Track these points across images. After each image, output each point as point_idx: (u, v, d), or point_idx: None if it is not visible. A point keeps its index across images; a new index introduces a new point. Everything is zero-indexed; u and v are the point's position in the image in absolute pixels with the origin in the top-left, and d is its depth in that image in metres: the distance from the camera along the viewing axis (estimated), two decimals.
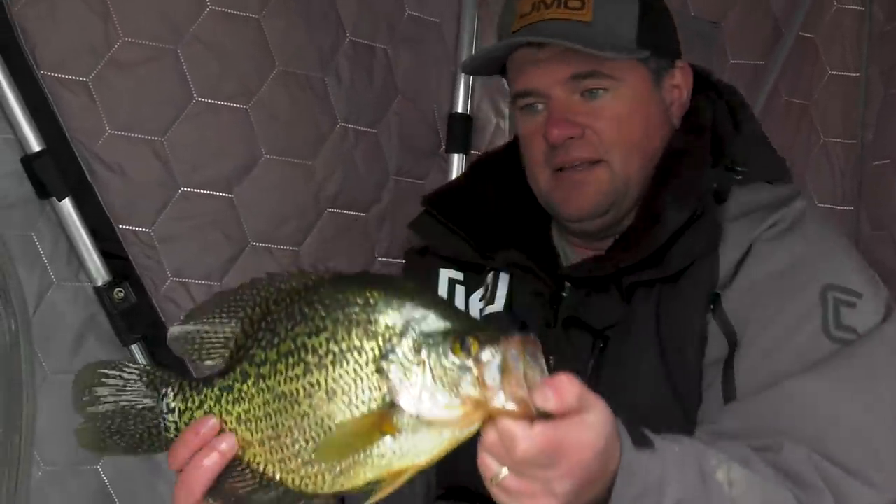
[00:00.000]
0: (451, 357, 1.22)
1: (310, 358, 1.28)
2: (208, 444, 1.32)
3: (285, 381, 1.30)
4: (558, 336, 1.75)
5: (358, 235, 2.53)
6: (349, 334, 1.27)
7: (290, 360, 1.29)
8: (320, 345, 1.28)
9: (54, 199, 2.15)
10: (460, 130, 2.65)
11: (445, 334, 1.23)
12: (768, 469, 1.43)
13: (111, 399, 1.38)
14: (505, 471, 1.20)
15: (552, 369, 1.67)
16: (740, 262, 1.66)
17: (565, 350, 1.73)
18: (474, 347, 1.21)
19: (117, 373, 1.38)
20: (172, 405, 1.36)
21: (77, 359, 2.19)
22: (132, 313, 2.22)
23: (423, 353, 1.23)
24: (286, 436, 1.30)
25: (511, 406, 1.18)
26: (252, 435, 1.32)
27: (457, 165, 2.64)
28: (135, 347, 2.24)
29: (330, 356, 1.27)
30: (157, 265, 2.27)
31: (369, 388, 1.25)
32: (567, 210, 1.79)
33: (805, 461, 1.45)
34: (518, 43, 1.76)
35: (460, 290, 1.91)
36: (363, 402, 1.25)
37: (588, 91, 1.75)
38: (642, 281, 1.69)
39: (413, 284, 1.32)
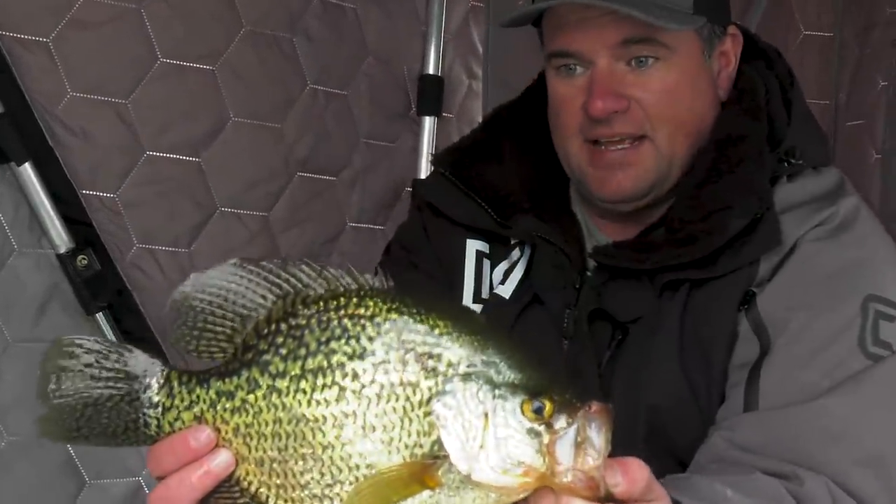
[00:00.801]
0: (520, 416, 1.07)
1: (348, 383, 1.10)
2: (200, 458, 1.14)
3: (308, 403, 1.11)
4: (578, 320, 1.63)
5: (329, 200, 2.48)
6: (404, 366, 1.10)
7: (321, 381, 1.11)
8: (364, 371, 1.10)
9: (14, 164, 2.09)
10: (431, 92, 2.59)
11: (516, 388, 1.08)
12: None
13: (83, 385, 1.16)
14: None
15: (568, 354, 1.64)
16: (782, 260, 1.54)
17: (584, 338, 1.62)
18: (548, 410, 1.07)
19: (92, 353, 1.17)
20: (156, 399, 1.15)
21: (39, 328, 2.14)
22: (97, 281, 2.16)
23: (488, 404, 1.07)
24: (296, 462, 1.12)
25: (579, 484, 1.06)
26: (250, 452, 1.14)
27: (428, 128, 2.59)
28: (100, 316, 2.19)
29: (375, 387, 1.10)
30: (123, 231, 2.21)
31: (417, 432, 1.09)
32: (603, 191, 1.63)
33: (825, 496, 1.37)
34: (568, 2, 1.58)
35: (486, 265, 1.77)
36: (406, 447, 1.09)
37: (636, 59, 1.56)
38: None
39: (485, 321, 1.15)
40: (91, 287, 2.15)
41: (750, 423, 1.46)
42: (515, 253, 1.73)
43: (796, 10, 2.68)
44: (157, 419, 1.16)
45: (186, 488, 1.13)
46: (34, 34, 2.10)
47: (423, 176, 2.54)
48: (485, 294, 1.75)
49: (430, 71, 2.60)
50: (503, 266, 1.74)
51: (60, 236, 2.13)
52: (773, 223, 1.54)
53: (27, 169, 2.09)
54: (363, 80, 2.52)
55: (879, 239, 1.58)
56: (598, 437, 1.06)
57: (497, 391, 1.08)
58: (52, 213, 2.12)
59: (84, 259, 2.13)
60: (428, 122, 2.59)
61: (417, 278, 1.81)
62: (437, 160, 1.84)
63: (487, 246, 1.77)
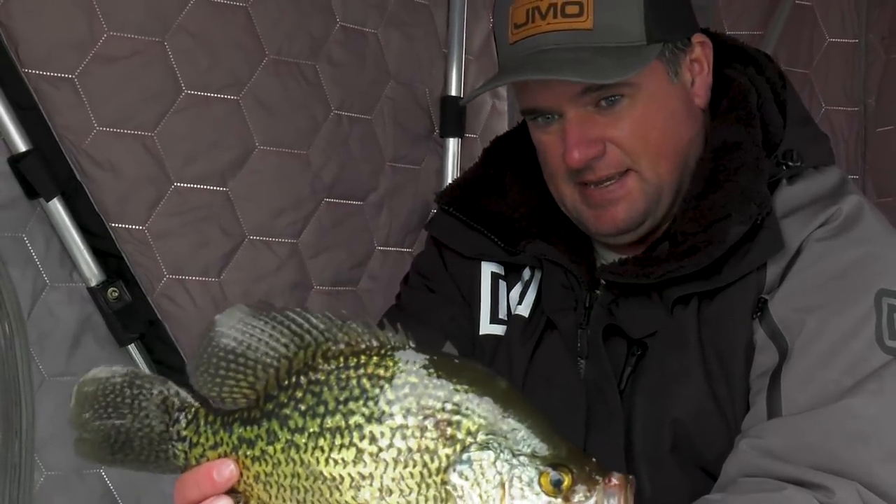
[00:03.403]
0: (538, 489, 1.07)
1: (366, 446, 1.10)
2: (221, 497, 1.17)
3: (326, 462, 1.12)
4: (591, 339, 1.64)
5: (356, 225, 2.48)
6: (422, 432, 1.10)
7: (338, 441, 1.11)
8: (382, 435, 1.10)
9: (43, 199, 2.10)
10: (454, 114, 2.59)
11: (535, 458, 1.08)
12: None
13: (116, 415, 1.22)
14: None
15: (586, 374, 1.65)
16: (790, 263, 1.54)
17: (600, 356, 1.62)
18: (567, 483, 1.07)
19: (127, 386, 1.22)
20: (184, 434, 1.20)
21: (74, 360, 2.15)
22: (128, 313, 2.16)
23: (506, 475, 1.07)
24: None
25: None
26: (270, 499, 1.16)
27: (452, 150, 2.59)
28: (132, 348, 2.20)
29: (393, 452, 1.10)
30: (153, 262, 2.22)
31: (434, 499, 1.09)
32: (600, 227, 1.65)
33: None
34: (523, 80, 1.61)
35: (502, 286, 1.78)
36: None
37: (604, 99, 1.58)
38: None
39: (506, 384, 1.14)
40: (122, 318, 2.16)
41: (775, 429, 1.45)
42: (527, 273, 1.76)
43: (820, 18, 2.67)
44: (185, 452, 1.20)
45: None
46: (59, 71, 2.11)
47: None
48: (502, 315, 1.77)
49: (452, 93, 2.61)
50: (518, 287, 1.76)
51: (91, 269, 2.14)
52: (773, 228, 1.55)
53: (56, 204, 2.10)
54: (386, 103, 2.52)
55: (885, 234, 1.58)
56: None
57: (515, 461, 1.08)
58: (81, 246, 2.13)
59: (115, 291, 2.14)
60: (452, 144, 2.59)
61: (437, 303, 1.83)
62: (439, 199, 1.87)
63: (502, 268, 1.79)
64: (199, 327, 2.21)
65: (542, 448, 1.08)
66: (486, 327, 1.77)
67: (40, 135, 2.10)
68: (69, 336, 2.15)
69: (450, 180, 2.51)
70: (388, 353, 1.13)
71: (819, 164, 1.65)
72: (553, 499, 1.06)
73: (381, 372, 1.12)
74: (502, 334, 1.76)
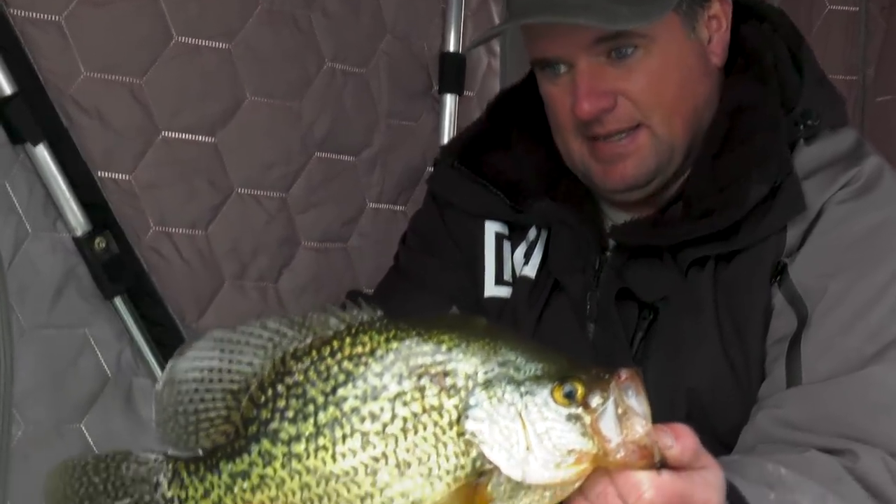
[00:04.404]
0: (554, 406, 1.03)
1: (369, 427, 1.05)
2: None
3: (334, 459, 1.06)
4: (602, 302, 1.59)
5: (348, 181, 2.42)
6: (422, 392, 1.05)
7: (339, 433, 1.06)
8: (382, 410, 1.05)
9: (28, 144, 2.02)
10: (453, 70, 2.51)
11: (540, 379, 1.04)
12: (859, 490, 1.31)
13: None
14: None
15: (595, 338, 1.61)
16: (810, 226, 1.50)
17: (611, 320, 1.58)
18: (580, 392, 1.03)
19: (94, 472, 1.13)
20: (169, 495, 1.11)
21: (56, 313, 2.08)
22: (115, 264, 2.10)
23: (518, 404, 1.03)
24: None
25: (633, 456, 1.02)
26: None
27: (450, 107, 2.52)
28: (118, 301, 2.13)
29: (398, 422, 1.05)
30: (139, 214, 2.16)
31: (454, 455, 1.04)
32: (608, 183, 1.60)
33: (882, 471, 1.34)
34: (534, 23, 1.55)
35: (507, 247, 1.73)
36: (447, 473, 1.04)
37: (616, 50, 1.53)
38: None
39: (484, 321, 1.10)
40: (109, 271, 2.10)
41: (796, 398, 1.42)
42: (532, 232, 1.70)
43: None
44: None
45: None
46: (46, 12, 2.04)
47: None
48: (507, 276, 1.72)
49: (451, 49, 2.52)
50: (523, 247, 1.71)
51: (77, 219, 2.08)
52: (795, 188, 1.51)
53: (42, 150, 2.03)
54: (382, 58, 2.45)
55: None
56: (637, 404, 1.03)
57: (523, 387, 1.04)
58: (68, 195, 2.06)
59: (102, 242, 2.08)
60: (450, 101, 2.52)
61: (436, 266, 1.78)
62: (444, 152, 1.82)
63: (507, 227, 1.73)
64: (186, 281, 2.21)
65: (542, 367, 1.05)
66: (491, 289, 1.72)
67: (26, 78, 2.02)
68: (51, 287, 2.09)
69: (447, 138, 2.46)
70: (360, 330, 1.08)
71: (835, 126, 1.61)
72: (572, 410, 1.03)
73: (360, 349, 1.07)
74: (508, 297, 1.71)
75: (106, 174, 2.12)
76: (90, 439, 2.14)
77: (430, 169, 2.24)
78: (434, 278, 1.77)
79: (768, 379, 1.48)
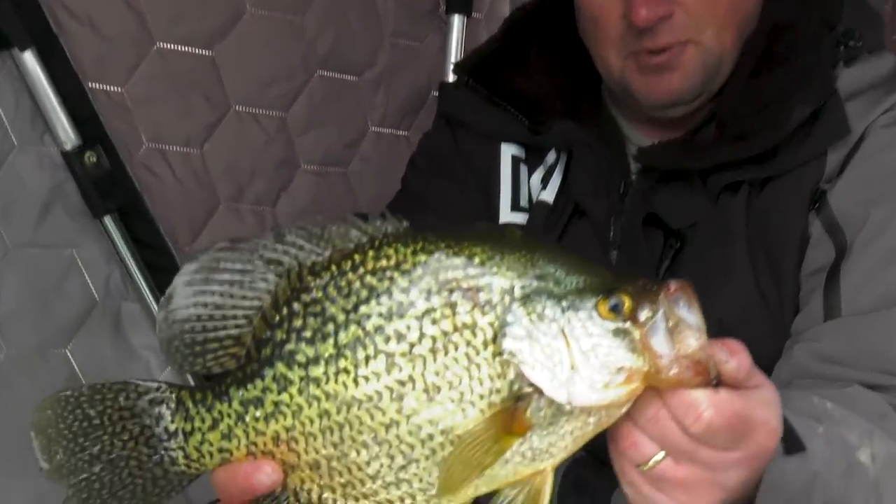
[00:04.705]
0: (600, 320, 0.93)
1: (394, 347, 0.95)
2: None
3: (356, 383, 0.96)
4: (627, 228, 1.51)
5: (350, 102, 2.30)
6: (453, 309, 0.95)
7: (362, 354, 0.96)
8: (409, 328, 0.95)
9: (15, 50, 1.89)
10: None
11: (582, 291, 0.94)
12: None
13: (91, 443, 1.02)
14: (661, 454, 0.95)
15: (618, 266, 1.50)
16: (852, 151, 1.42)
17: (637, 247, 1.49)
18: (627, 305, 0.92)
19: (88, 404, 1.02)
20: (173, 428, 1.02)
21: (42, 231, 1.97)
22: (106, 181, 1.98)
23: (560, 320, 0.93)
24: (357, 453, 0.98)
25: (687, 373, 0.92)
26: (300, 457, 0.99)
27: (458, 28, 2.39)
28: (108, 220, 2.02)
29: (427, 342, 0.95)
30: (131, 129, 2.03)
31: (489, 378, 0.94)
32: (652, 97, 1.48)
33: None
34: None
35: (523, 171, 1.63)
36: (481, 398, 0.94)
37: None
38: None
39: (519, 231, 1.01)
40: (100, 187, 1.97)
41: (835, 331, 1.34)
42: (551, 156, 1.60)
43: None
44: (182, 449, 1.02)
45: None
46: None
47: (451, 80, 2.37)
48: (523, 202, 1.63)
49: None
50: (540, 172, 1.61)
51: (67, 132, 1.95)
52: (838, 111, 1.42)
53: (30, 57, 1.90)
54: None
55: None
56: (691, 315, 0.93)
57: (565, 302, 0.94)
58: (57, 106, 1.93)
59: (93, 156, 1.95)
60: (457, 21, 2.39)
61: (448, 190, 1.68)
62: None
63: (523, 150, 1.63)
64: (180, 202, 2.09)
65: (585, 280, 0.95)
66: (507, 215, 1.62)
67: None
68: (37, 204, 1.97)
69: (453, 61, 2.34)
70: (384, 242, 0.97)
71: (874, 49, 1.51)
72: (620, 324, 0.93)
73: (384, 263, 0.97)
74: (524, 223, 1.61)
75: (97, 86, 1.99)
76: (75, 365, 2.04)
77: (436, 94, 2.14)
78: (446, 202, 1.67)
79: (803, 311, 1.41)
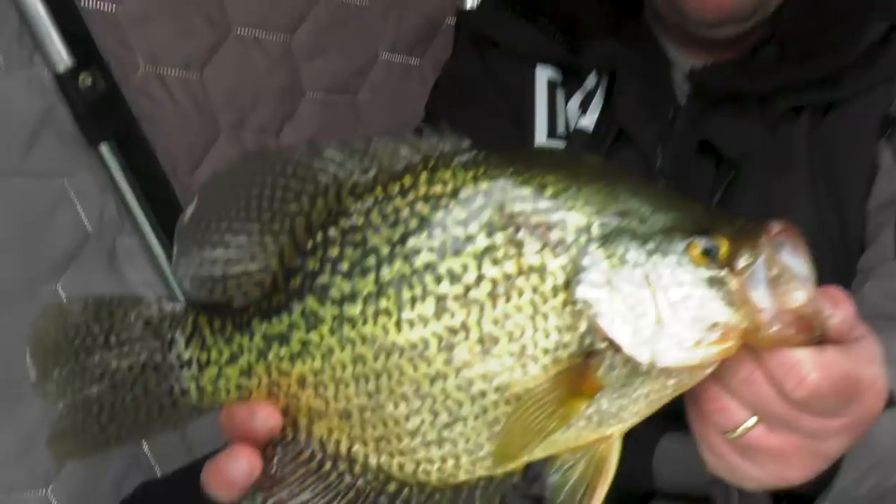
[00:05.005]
0: (692, 267, 0.80)
1: (447, 289, 0.82)
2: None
3: (398, 328, 0.83)
4: (677, 155, 1.39)
5: (360, 26, 2.16)
6: (519, 248, 0.82)
7: (407, 294, 0.83)
8: (465, 268, 0.82)
9: None
10: None
11: (670, 232, 0.81)
12: None
13: (91, 365, 0.90)
14: (752, 420, 0.84)
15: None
16: None
17: (687, 177, 1.38)
18: (724, 249, 0.80)
19: (94, 320, 0.89)
20: (187, 356, 0.89)
21: (31, 159, 1.83)
22: (101, 105, 1.84)
23: (645, 265, 0.80)
24: (395, 406, 0.85)
25: (789, 330, 0.80)
26: (328, 405, 0.87)
27: None
28: (104, 148, 1.89)
29: (486, 285, 0.82)
30: (128, 51, 1.89)
31: (557, 330, 0.81)
32: (702, 13, 1.36)
33: None
34: None
35: (560, 96, 1.50)
36: (545, 353, 0.82)
37: None
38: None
39: (598, 158, 0.89)
40: (95, 112, 1.83)
41: None
42: (591, 80, 1.47)
43: None
44: (195, 380, 0.89)
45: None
46: None
47: (468, 6, 2.23)
48: (560, 129, 1.50)
49: None
50: (578, 96, 1.48)
51: (59, 52, 1.80)
52: None
53: None
54: None
55: None
56: (798, 263, 0.80)
57: (651, 244, 0.81)
58: (49, 24, 1.78)
59: (87, 79, 1.81)
60: None
61: (477, 117, 1.55)
62: None
63: (560, 73, 1.51)
64: (179, 130, 1.96)
65: (674, 218, 0.82)
66: (543, 144, 1.50)
67: None
68: (26, 130, 1.82)
69: None
70: (440, 163, 0.84)
71: None
72: (715, 272, 0.80)
73: (439, 189, 0.83)
74: (562, 146, 1.50)
75: (90, 4, 1.85)
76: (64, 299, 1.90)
77: (451, 21, 2.01)
78: (475, 130, 1.54)
79: (872, 247, 1.31)
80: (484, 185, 0.82)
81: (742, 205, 1.36)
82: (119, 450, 0.92)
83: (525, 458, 0.85)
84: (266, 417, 0.86)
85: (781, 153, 1.36)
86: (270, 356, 0.87)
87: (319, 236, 0.85)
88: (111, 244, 1.96)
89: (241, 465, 0.85)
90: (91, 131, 1.86)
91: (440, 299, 0.82)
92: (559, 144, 1.49)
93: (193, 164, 2.00)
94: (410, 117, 1.65)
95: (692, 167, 1.39)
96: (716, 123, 1.37)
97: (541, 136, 1.50)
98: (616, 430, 0.86)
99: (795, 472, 0.86)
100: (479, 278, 0.82)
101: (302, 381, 0.86)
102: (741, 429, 0.84)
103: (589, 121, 1.46)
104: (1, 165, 1.80)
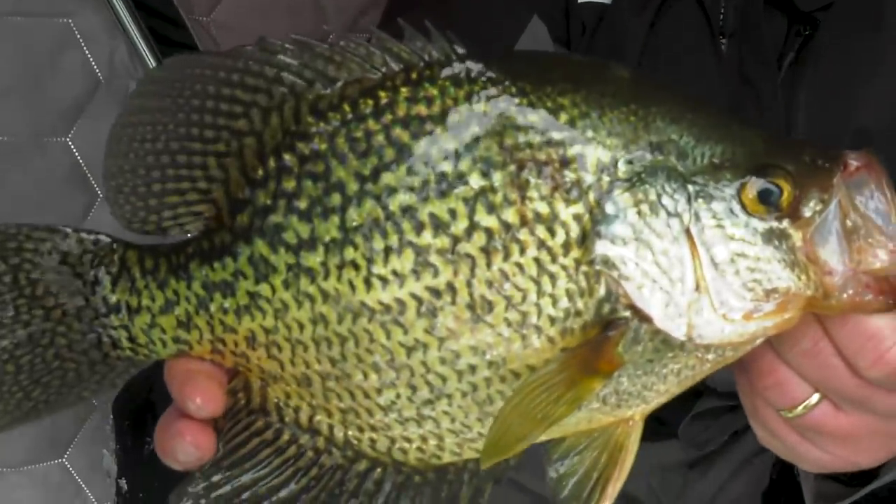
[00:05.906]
0: (743, 215, 0.63)
1: (428, 239, 0.66)
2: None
3: (367, 286, 0.67)
4: (744, 9, 1.22)
5: None
6: (523, 191, 0.65)
7: (379, 244, 0.67)
8: (454, 214, 0.66)
9: None
10: None
11: (719, 170, 0.64)
12: None
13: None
14: (816, 398, 0.71)
15: (728, 57, 1.22)
16: None
17: (754, 34, 1.21)
18: (787, 192, 0.63)
19: None
20: (114, 300, 0.74)
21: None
22: None
23: (684, 213, 0.64)
24: (365, 377, 0.70)
25: (865, 295, 0.63)
26: (284, 368, 0.71)
27: None
28: None
29: (479, 237, 0.66)
30: None
31: (568, 295, 0.65)
32: None
33: None
34: None
35: None
36: (553, 322, 0.66)
37: None
38: None
39: (626, 71, 0.68)
40: None
41: None
42: None
43: None
44: (126, 328, 0.74)
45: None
46: None
47: None
48: None
49: None
50: None
51: None
52: None
53: None
54: None
55: None
56: (880, 210, 0.62)
57: (691, 185, 0.64)
58: None
59: None
60: None
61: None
62: None
63: None
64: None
65: (724, 151, 0.64)
66: None
67: None
68: None
69: None
70: (425, 76, 0.67)
71: None
72: (775, 223, 0.63)
73: (423, 109, 0.66)
74: (608, 1, 1.31)
75: None
76: (78, 156, 1.77)
77: None
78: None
79: None
80: (480, 107, 0.65)
81: (819, 70, 1.21)
82: (52, 416, 0.76)
83: (523, 445, 0.68)
84: (207, 379, 0.72)
85: (866, 5, 1.20)
86: (212, 308, 0.72)
87: (272, 163, 0.69)
88: (124, 92, 1.78)
89: (187, 449, 0.72)
90: None
91: (421, 252, 0.66)
92: None
93: (212, 1, 1.81)
94: None
95: (763, 22, 1.22)
96: None
97: None
98: (637, 412, 0.70)
99: (866, 456, 0.75)
100: (471, 228, 0.66)
101: (251, 340, 0.71)
102: (801, 407, 0.72)
103: None
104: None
